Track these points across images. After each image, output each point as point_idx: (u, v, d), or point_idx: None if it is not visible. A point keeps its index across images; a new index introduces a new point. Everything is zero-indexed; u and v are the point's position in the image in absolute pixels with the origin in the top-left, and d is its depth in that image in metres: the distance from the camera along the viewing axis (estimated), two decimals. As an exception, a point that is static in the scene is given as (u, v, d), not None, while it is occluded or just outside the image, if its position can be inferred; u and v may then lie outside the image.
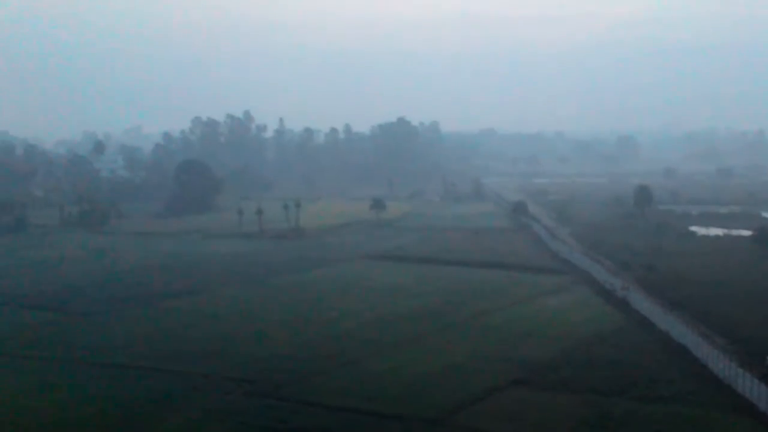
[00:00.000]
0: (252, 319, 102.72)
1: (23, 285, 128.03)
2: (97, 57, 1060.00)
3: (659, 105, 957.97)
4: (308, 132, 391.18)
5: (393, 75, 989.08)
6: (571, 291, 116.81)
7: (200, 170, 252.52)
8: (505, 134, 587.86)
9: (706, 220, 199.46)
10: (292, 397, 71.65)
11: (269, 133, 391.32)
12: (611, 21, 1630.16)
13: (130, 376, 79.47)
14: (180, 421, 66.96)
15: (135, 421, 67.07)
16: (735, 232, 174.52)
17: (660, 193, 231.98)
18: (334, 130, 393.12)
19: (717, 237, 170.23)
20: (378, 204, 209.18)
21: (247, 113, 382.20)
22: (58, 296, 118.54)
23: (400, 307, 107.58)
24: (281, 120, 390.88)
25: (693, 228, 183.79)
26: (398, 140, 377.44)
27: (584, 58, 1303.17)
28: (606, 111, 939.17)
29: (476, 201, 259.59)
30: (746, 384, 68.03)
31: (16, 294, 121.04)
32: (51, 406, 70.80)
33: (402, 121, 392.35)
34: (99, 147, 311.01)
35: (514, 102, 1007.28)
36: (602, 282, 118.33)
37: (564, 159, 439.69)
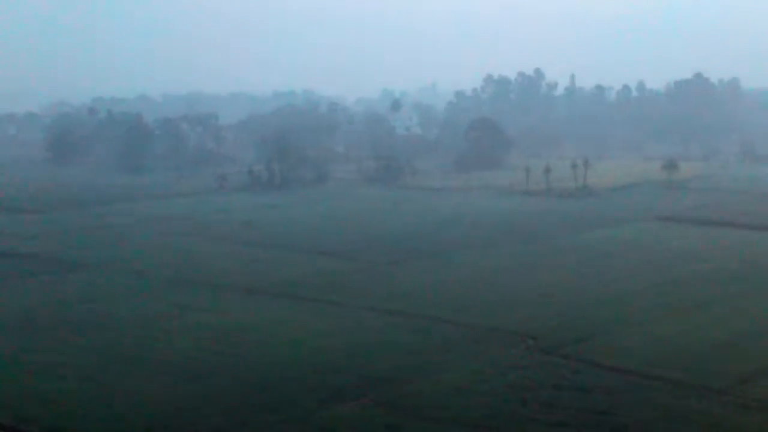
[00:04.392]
0: (536, 276, 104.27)
1: (320, 234, 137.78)
2: (393, 19, 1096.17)
3: None
4: (599, 90, 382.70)
5: (690, 30, 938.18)
6: None
7: (490, 128, 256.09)
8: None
9: None
10: (575, 356, 72.87)
11: (560, 91, 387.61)
12: None
13: (417, 325, 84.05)
14: (464, 371, 70.24)
15: (421, 368, 71.19)
16: None
17: None
18: (626, 88, 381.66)
19: None
20: (670, 164, 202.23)
21: (538, 71, 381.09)
22: (351, 245, 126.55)
23: (689, 270, 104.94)
24: (572, 77, 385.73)
25: None
26: (694, 97, 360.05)
27: None
28: None
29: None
30: None
31: (313, 242, 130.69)
32: (343, 347, 76.77)
33: (699, 78, 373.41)
34: (395, 105, 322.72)
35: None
36: None
37: None
